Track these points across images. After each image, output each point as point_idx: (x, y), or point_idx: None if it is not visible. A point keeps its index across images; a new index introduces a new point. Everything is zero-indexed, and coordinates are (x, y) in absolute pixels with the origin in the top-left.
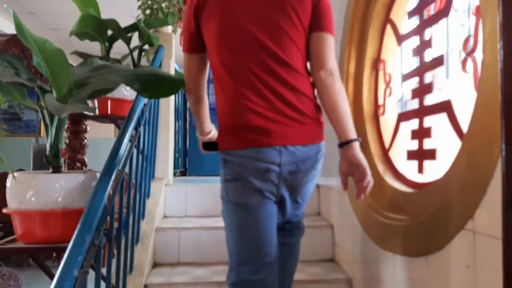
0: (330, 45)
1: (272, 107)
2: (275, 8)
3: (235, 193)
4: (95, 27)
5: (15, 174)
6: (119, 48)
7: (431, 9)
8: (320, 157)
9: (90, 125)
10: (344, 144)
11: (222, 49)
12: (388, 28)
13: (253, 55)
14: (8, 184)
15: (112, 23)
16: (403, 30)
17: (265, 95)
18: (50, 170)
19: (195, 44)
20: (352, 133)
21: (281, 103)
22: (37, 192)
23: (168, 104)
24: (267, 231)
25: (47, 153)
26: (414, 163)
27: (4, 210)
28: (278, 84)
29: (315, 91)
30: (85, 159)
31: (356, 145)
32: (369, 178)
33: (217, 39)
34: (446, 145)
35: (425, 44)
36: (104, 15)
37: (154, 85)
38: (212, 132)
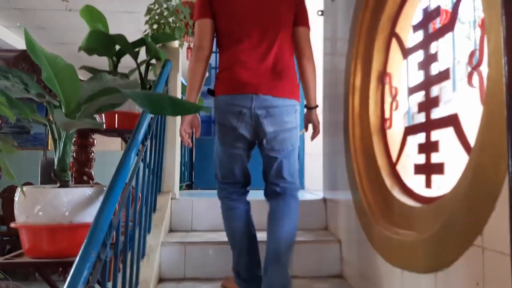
0: (310, 38)
1: (256, 68)
2: (287, 13)
3: (219, 133)
4: (103, 42)
5: (24, 188)
6: (126, 62)
7: (437, 22)
8: (291, 110)
9: (97, 138)
10: (310, 108)
11: (228, 25)
12: (394, 42)
13: (249, 30)
14: (16, 198)
15: (120, 39)
16: (408, 44)
17: (253, 59)
18: (58, 185)
19: (207, 12)
20: (315, 102)
21: (264, 65)
22: (44, 206)
23: (175, 119)
24: (235, 164)
25: (55, 167)
26: (422, 177)
27: (12, 224)
28: (266, 52)
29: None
30: (92, 172)
31: (315, 110)
32: (318, 131)
33: (225, 16)
34: (453, 158)
35: (431, 58)
36: (112, 30)
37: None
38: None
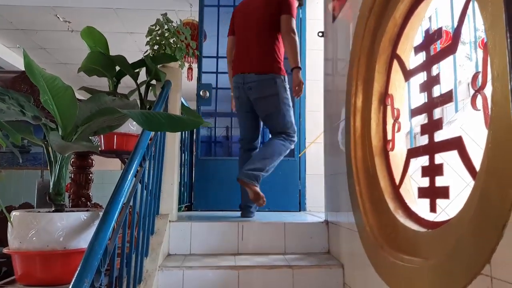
0: (289, 20)
1: (248, 57)
2: (262, 17)
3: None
4: (103, 63)
5: (15, 212)
6: (128, 82)
7: (438, 44)
8: (269, 81)
9: (96, 157)
10: (293, 69)
11: (237, 35)
12: (395, 63)
13: (246, 34)
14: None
15: (120, 60)
16: (410, 65)
17: (248, 52)
18: (53, 208)
19: (231, 30)
20: (296, 63)
21: (251, 54)
22: (38, 231)
23: (174, 139)
24: (248, 125)
25: (50, 190)
26: (426, 200)
27: (5, 250)
28: (256, 47)
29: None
30: (90, 194)
31: (297, 70)
32: (298, 90)
33: (237, 29)
34: (458, 179)
35: (433, 80)
36: (114, 50)
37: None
38: None
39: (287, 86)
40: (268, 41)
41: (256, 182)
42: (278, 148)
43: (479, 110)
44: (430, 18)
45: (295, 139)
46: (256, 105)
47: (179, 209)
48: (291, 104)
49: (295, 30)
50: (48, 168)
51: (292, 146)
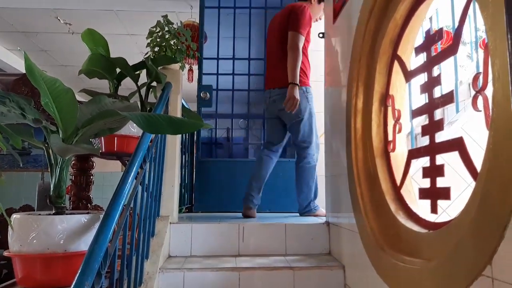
0: (293, 37)
1: (272, 73)
2: (278, 34)
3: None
4: (103, 65)
5: (15, 215)
6: (129, 83)
7: (438, 44)
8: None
9: (97, 159)
10: (289, 84)
11: (266, 52)
12: (396, 64)
13: (270, 52)
14: (10, 224)
15: (120, 62)
16: (411, 66)
17: (270, 67)
18: (53, 211)
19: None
20: (292, 79)
21: (273, 71)
22: (38, 234)
23: (175, 141)
24: (273, 129)
25: (51, 193)
26: (427, 201)
27: (5, 253)
28: (276, 64)
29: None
30: (91, 196)
31: (292, 85)
32: (290, 105)
33: (266, 47)
34: (460, 181)
35: (434, 81)
36: (115, 52)
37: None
38: None
39: (310, 97)
40: (285, 55)
41: (314, 210)
42: (306, 176)
43: (480, 110)
44: (430, 18)
45: (312, 151)
46: (282, 116)
47: (180, 211)
48: (313, 114)
49: (299, 46)
50: (49, 170)
51: (314, 159)
